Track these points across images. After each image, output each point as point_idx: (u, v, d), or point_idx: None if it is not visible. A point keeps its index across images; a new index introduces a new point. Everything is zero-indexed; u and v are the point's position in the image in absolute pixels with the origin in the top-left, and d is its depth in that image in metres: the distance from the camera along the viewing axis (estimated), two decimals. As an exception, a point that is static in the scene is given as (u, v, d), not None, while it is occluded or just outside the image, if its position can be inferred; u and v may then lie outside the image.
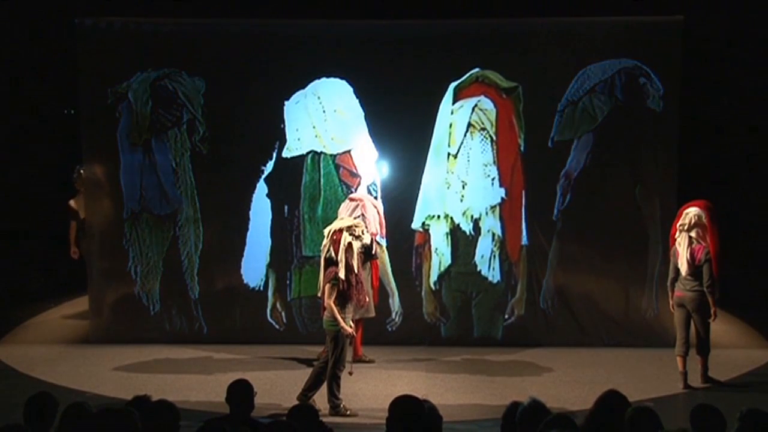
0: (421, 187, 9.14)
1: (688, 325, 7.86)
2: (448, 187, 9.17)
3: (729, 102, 11.77)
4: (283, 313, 9.31)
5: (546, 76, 9.08)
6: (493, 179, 9.18)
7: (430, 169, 9.17)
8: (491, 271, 9.20)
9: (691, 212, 7.77)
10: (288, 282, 9.29)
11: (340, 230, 7.05)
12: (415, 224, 9.21)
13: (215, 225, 9.41)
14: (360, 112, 9.15)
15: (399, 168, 9.21)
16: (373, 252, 8.11)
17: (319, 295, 7.18)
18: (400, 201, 9.14)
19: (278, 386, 7.78)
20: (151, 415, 4.27)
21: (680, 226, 7.81)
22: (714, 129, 11.96)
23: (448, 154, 9.18)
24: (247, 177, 9.28)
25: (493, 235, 9.18)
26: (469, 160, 9.18)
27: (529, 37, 9.14)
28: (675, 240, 7.90)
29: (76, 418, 4.27)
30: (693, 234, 7.72)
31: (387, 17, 9.41)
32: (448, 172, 9.19)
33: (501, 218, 9.19)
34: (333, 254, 6.98)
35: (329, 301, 6.87)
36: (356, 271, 7.01)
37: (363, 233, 7.19)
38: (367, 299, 7.57)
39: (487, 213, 9.19)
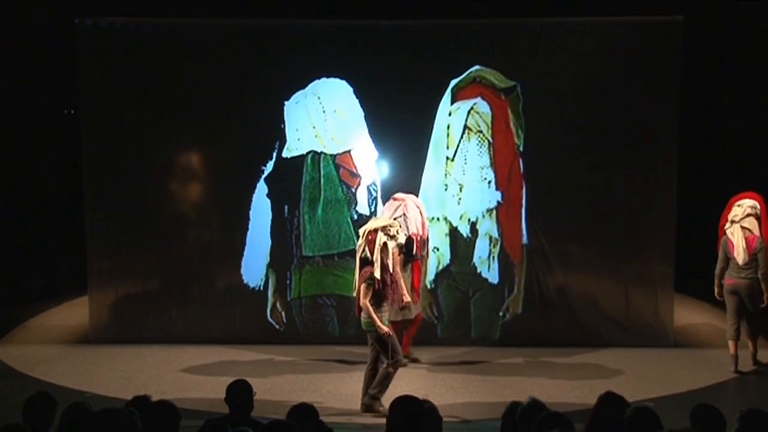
0: (421, 187, 9.14)
1: (739, 312, 8.09)
2: (446, 190, 9.18)
3: (729, 102, 11.77)
4: (283, 313, 9.31)
5: (546, 75, 9.08)
6: (489, 182, 9.19)
7: (428, 171, 9.18)
8: (490, 273, 9.20)
9: (746, 203, 8.06)
10: (288, 282, 9.29)
11: (375, 230, 7.03)
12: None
13: (215, 225, 9.43)
14: (360, 112, 9.15)
15: (399, 168, 9.22)
16: (414, 252, 8.12)
17: (355, 294, 7.17)
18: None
19: (278, 386, 7.78)
20: (151, 415, 4.27)
21: (733, 217, 8.05)
22: (714, 129, 11.96)
23: (446, 157, 9.19)
24: (247, 177, 9.28)
25: (490, 237, 9.19)
26: (465, 163, 9.18)
27: (529, 36, 9.13)
28: (724, 231, 8.13)
29: (76, 418, 4.27)
30: (746, 224, 7.97)
31: (387, 17, 9.40)
32: (445, 175, 9.20)
33: (498, 221, 9.20)
34: (368, 254, 6.97)
35: (365, 301, 6.86)
36: (391, 270, 7.00)
37: (398, 233, 7.17)
38: (406, 299, 7.57)
39: (483, 216, 9.19)
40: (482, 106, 9.17)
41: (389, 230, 7.05)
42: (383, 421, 4.20)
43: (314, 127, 9.20)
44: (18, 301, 11.17)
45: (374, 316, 6.84)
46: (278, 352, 8.90)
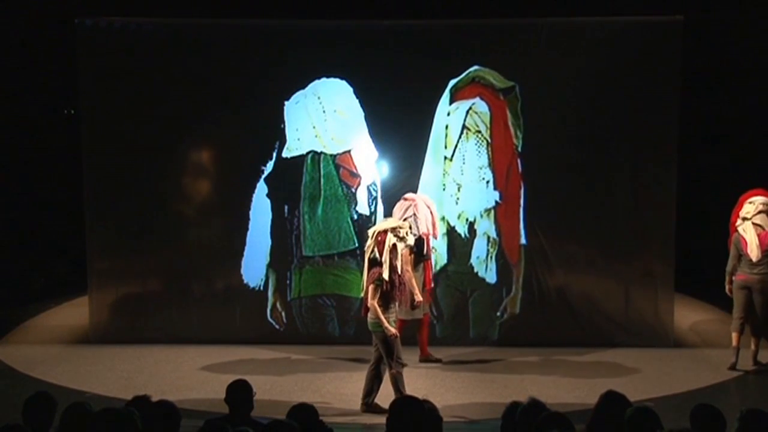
0: (419, 186, 9.14)
1: (747, 308, 8.18)
2: (444, 190, 9.17)
3: (729, 102, 11.77)
4: (283, 313, 9.30)
5: (545, 75, 9.07)
6: (487, 182, 9.20)
7: (427, 170, 9.18)
8: (488, 272, 9.20)
9: (757, 200, 8.17)
10: (288, 282, 9.28)
11: (385, 231, 7.02)
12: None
13: (215, 225, 9.43)
14: (360, 112, 9.15)
15: (399, 168, 9.22)
16: (424, 252, 8.11)
17: (362, 295, 7.15)
18: (399, 200, 9.15)
19: (278, 386, 7.78)
20: (151, 415, 4.27)
21: (745, 214, 8.15)
22: (714, 129, 11.97)
23: (444, 157, 9.19)
24: (248, 177, 9.28)
25: (488, 237, 9.18)
26: (464, 163, 9.19)
27: (528, 36, 9.12)
28: (735, 228, 8.23)
29: (76, 418, 4.27)
30: (758, 221, 8.08)
31: (387, 17, 9.40)
32: (444, 175, 9.20)
33: (496, 221, 9.20)
34: (377, 255, 6.96)
35: (373, 302, 6.84)
36: (399, 271, 7.00)
37: (407, 234, 7.17)
38: (418, 299, 7.56)
39: (481, 216, 9.20)
40: (481, 106, 9.17)
41: (399, 231, 7.05)
42: (383, 420, 4.20)
43: (314, 127, 9.19)
44: (18, 301, 11.17)
45: (381, 317, 6.83)
46: (278, 352, 8.90)
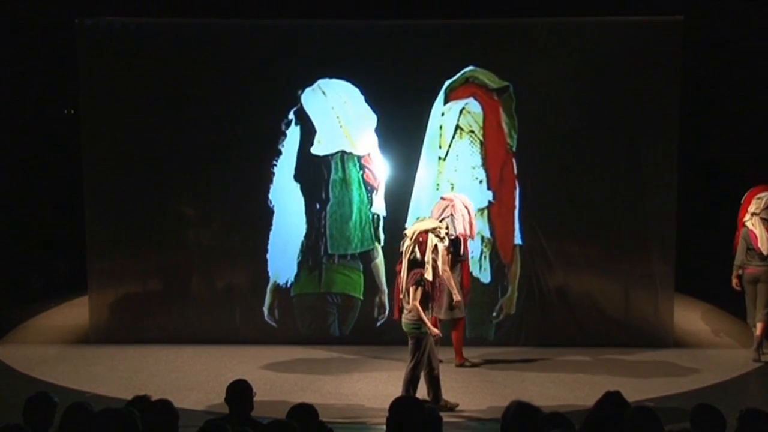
0: (414, 187, 9.13)
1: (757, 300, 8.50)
2: (438, 189, 9.17)
3: (729, 101, 11.77)
4: (276, 311, 9.29)
5: (544, 75, 9.07)
6: (481, 182, 9.20)
7: (422, 170, 9.19)
8: (482, 272, 9.20)
9: (766, 196, 8.52)
10: (292, 281, 9.26)
11: (426, 232, 7.00)
12: (408, 224, 9.19)
13: (216, 225, 9.44)
14: (374, 115, 9.15)
15: (397, 167, 9.22)
16: (461, 253, 8.11)
17: (401, 296, 7.10)
18: (396, 200, 9.16)
19: (278, 386, 7.78)
20: (151, 415, 4.27)
21: (754, 210, 8.47)
22: (713, 129, 11.96)
23: (438, 157, 9.19)
24: (248, 177, 9.28)
25: (482, 237, 9.17)
26: (457, 163, 9.18)
27: (527, 36, 9.13)
28: (743, 224, 8.54)
29: (76, 418, 4.28)
30: (766, 216, 8.43)
31: (385, 17, 9.40)
32: (438, 174, 9.20)
33: (490, 220, 9.20)
34: (418, 256, 6.93)
35: (415, 303, 6.81)
36: (440, 272, 6.98)
37: (446, 235, 7.18)
38: (457, 298, 7.59)
39: (475, 215, 9.18)
40: (474, 106, 9.17)
41: (439, 232, 7.06)
42: (383, 420, 4.20)
43: (341, 127, 9.17)
44: (18, 301, 11.17)
45: (425, 318, 6.81)
46: (278, 352, 8.89)
